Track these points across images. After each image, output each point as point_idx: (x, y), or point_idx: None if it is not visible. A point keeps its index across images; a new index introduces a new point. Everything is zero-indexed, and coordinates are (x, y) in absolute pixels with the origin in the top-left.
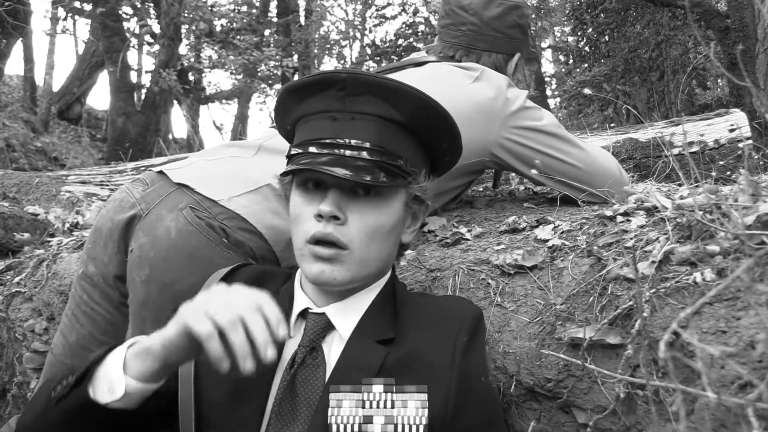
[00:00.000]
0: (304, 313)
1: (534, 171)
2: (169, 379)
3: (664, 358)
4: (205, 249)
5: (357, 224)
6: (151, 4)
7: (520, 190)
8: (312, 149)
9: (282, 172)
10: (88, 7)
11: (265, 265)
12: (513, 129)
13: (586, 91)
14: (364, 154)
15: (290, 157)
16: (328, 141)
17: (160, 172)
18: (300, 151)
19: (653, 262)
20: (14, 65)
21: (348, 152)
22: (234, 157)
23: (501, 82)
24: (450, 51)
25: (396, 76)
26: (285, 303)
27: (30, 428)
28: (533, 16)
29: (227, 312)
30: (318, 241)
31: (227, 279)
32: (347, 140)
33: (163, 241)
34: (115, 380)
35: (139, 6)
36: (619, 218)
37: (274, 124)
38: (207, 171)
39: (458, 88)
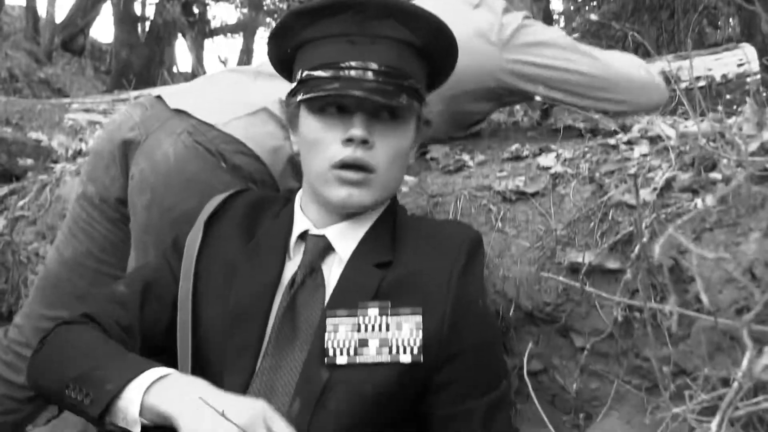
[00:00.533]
0: (303, 235)
1: (541, 89)
2: (167, 308)
3: (658, 259)
4: (203, 173)
5: (382, 148)
6: None
7: (524, 120)
8: (334, 73)
9: (308, 98)
10: None
11: (263, 191)
12: (515, 49)
13: (593, 16)
14: (387, 77)
15: (303, 82)
16: (351, 65)
17: (159, 97)
18: (320, 74)
19: (655, 188)
20: None
21: (372, 75)
22: (234, 82)
23: (498, 8)
24: None
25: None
26: (285, 225)
27: (38, 389)
28: None
29: None
30: (345, 165)
31: (224, 205)
32: (371, 64)
33: (162, 166)
34: (130, 419)
35: None
36: (623, 146)
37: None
38: (205, 96)
39: (458, 13)
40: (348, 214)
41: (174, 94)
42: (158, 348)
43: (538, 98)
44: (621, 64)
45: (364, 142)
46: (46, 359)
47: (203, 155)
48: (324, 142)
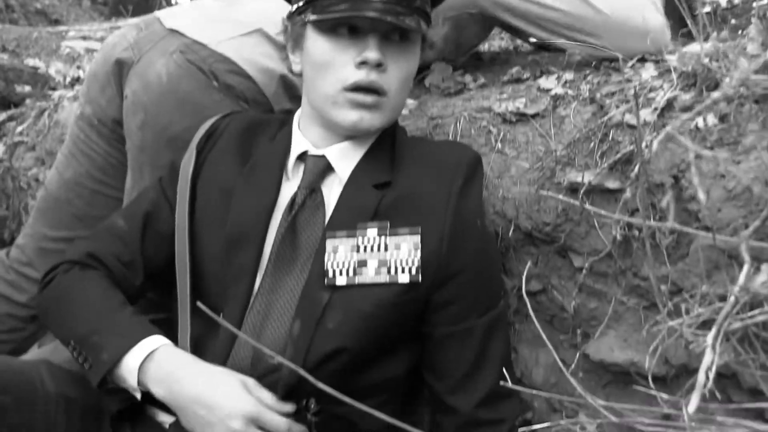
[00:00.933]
0: (302, 156)
1: (521, 23)
2: (166, 240)
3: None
4: (195, 92)
5: (394, 71)
6: None
7: (524, 46)
8: None
9: (319, 19)
10: None
11: (257, 112)
12: None
13: None
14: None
15: (310, 2)
16: None
17: (156, 18)
18: None
19: (655, 108)
20: None
21: None
22: (230, 3)
23: None
24: None
25: None
26: (282, 147)
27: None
28: None
29: None
30: (358, 88)
31: (217, 128)
32: None
33: (155, 86)
34: (130, 387)
35: None
36: (624, 68)
37: None
38: (200, 16)
39: None
40: (350, 135)
41: (170, 15)
42: (161, 279)
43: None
44: (616, 6)
45: (378, 65)
46: (51, 306)
47: (195, 74)
48: (335, 64)
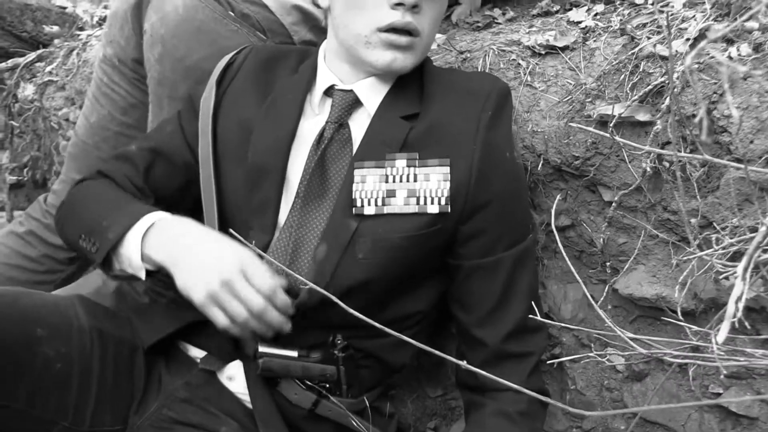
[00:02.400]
0: (329, 91)
1: None
2: (180, 170)
3: (698, 122)
4: (211, 23)
5: (428, 11)
6: None
7: None
8: None
9: None
10: None
11: (278, 44)
12: None
13: None
14: None
15: None
16: None
17: None
18: None
19: (687, 39)
20: None
21: None
22: None
23: None
24: None
25: None
26: (305, 80)
27: (64, 242)
28: None
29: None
30: (393, 29)
31: (235, 62)
32: None
33: (172, 17)
34: (135, 265)
35: None
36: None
37: None
38: None
39: None
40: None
41: None
42: (176, 206)
43: None
44: None
45: (414, 7)
46: (65, 213)
47: (211, 4)
48: (369, 4)
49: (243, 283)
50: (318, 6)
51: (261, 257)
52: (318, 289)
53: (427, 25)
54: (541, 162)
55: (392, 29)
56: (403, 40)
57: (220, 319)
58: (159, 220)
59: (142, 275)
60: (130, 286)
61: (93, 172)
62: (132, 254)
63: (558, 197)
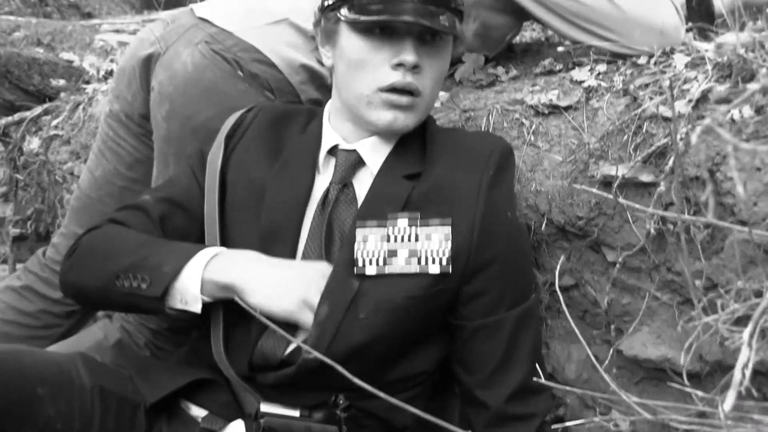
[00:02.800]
0: (332, 150)
1: (531, 5)
2: (197, 221)
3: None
4: (220, 82)
5: (429, 71)
6: None
7: (555, 36)
8: None
9: (354, 19)
10: None
11: (285, 102)
12: None
13: None
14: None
15: (345, 0)
16: None
17: (190, 9)
18: None
19: (690, 100)
20: None
21: None
22: None
23: None
24: None
25: None
26: (313, 141)
27: (77, 289)
28: None
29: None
30: (394, 89)
31: (244, 120)
32: None
33: (181, 75)
34: (191, 298)
35: None
36: (658, 59)
37: None
38: (230, 4)
39: None
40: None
41: (202, 5)
42: None
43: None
44: (633, 3)
45: (414, 67)
46: (86, 257)
47: (220, 63)
48: (371, 65)
49: None
50: (322, 65)
51: (266, 326)
52: (318, 355)
53: (429, 85)
54: (545, 222)
55: (393, 89)
56: (404, 100)
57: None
58: (221, 251)
59: (198, 308)
60: (132, 339)
61: (105, 220)
62: (189, 285)
63: (562, 257)
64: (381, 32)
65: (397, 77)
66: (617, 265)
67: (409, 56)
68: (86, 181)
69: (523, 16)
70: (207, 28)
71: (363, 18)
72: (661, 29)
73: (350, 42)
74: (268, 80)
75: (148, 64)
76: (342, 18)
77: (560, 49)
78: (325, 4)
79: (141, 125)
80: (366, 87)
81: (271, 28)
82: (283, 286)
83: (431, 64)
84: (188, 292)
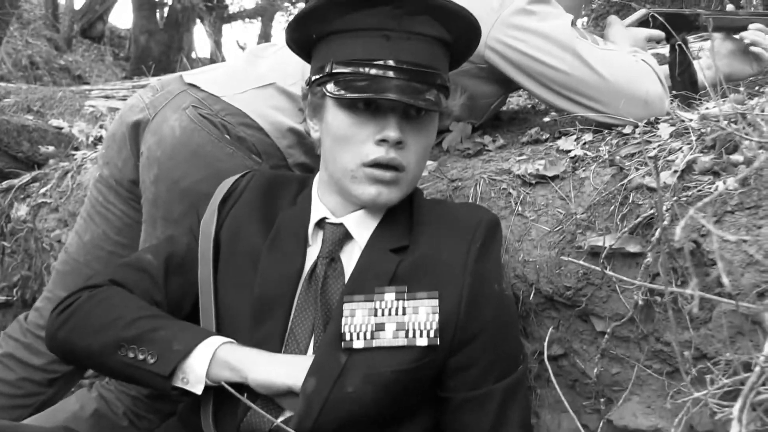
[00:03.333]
0: (320, 223)
1: (522, 78)
2: (195, 284)
3: (679, 241)
4: (207, 146)
5: (413, 146)
6: None
7: (541, 104)
8: (369, 71)
9: (338, 95)
10: None
11: (272, 166)
12: (508, 30)
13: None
14: (420, 76)
15: (333, 75)
16: (385, 63)
17: (180, 76)
18: (352, 71)
19: (675, 171)
20: None
21: (406, 76)
22: (246, 58)
23: None
24: None
25: None
26: (303, 213)
27: (68, 348)
28: None
29: None
30: (378, 165)
31: (239, 186)
32: (405, 62)
33: (168, 140)
34: (194, 379)
35: None
36: (643, 129)
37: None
38: (220, 70)
39: None
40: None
41: (191, 72)
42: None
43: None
44: (617, 73)
45: (398, 143)
46: (84, 318)
47: (207, 127)
48: (355, 140)
49: None
50: (309, 135)
51: (255, 399)
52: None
53: (413, 159)
54: (533, 291)
55: (377, 164)
56: (387, 175)
57: None
58: (226, 342)
59: (200, 390)
60: (109, 407)
61: (105, 280)
62: (196, 366)
63: (551, 328)
64: (366, 108)
65: (380, 153)
66: (606, 335)
67: (392, 132)
68: (74, 245)
69: (510, 85)
70: (195, 93)
71: (348, 94)
72: (646, 99)
73: (336, 117)
74: (255, 144)
75: (137, 130)
76: (328, 93)
77: (546, 118)
78: (312, 78)
79: (131, 191)
80: (350, 162)
81: (259, 93)
82: (287, 362)
83: (416, 140)
84: (193, 372)
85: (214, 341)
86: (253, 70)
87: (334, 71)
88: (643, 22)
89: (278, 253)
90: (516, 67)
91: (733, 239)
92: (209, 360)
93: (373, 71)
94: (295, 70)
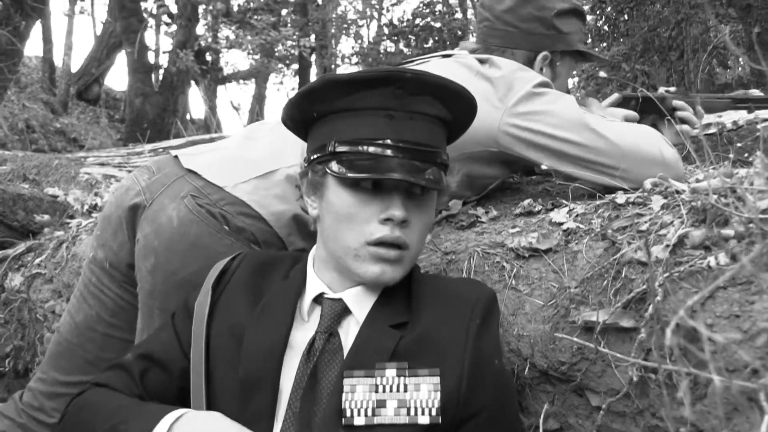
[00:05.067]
0: (318, 298)
1: (542, 157)
2: (175, 378)
3: (670, 345)
4: (206, 237)
5: (416, 225)
6: None
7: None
8: (372, 150)
9: (342, 175)
10: None
11: (269, 250)
12: (519, 115)
13: (602, 74)
14: (422, 155)
15: (335, 154)
16: (389, 142)
17: (175, 157)
18: (356, 150)
19: (667, 246)
20: (33, 46)
21: (408, 154)
22: (248, 138)
23: (506, 71)
24: (473, 48)
25: (421, 67)
26: (296, 287)
27: None
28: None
29: None
30: (382, 243)
31: (231, 266)
32: (407, 141)
33: (166, 230)
34: None
35: None
36: (635, 200)
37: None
38: (217, 155)
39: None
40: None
41: (188, 155)
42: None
43: (544, 167)
44: (630, 140)
45: (403, 222)
46: (74, 427)
47: (206, 218)
48: (359, 218)
49: None
50: (306, 212)
51: None
52: None
53: (416, 237)
54: (528, 366)
55: (381, 243)
56: (392, 254)
57: None
58: (183, 414)
59: None
60: None
61: (90, 384)
62: None
63: (546, 402)
64: (369, 186)
65: (385, 231)
66: (602, 410)
67: (397, 211)
68: (67, 325)
69: (513, 167)
70: (194, 180)
71: (351, 174)
72: (663, 161)
73: (338, 195)
74: (255, 233)
75: (134, 214)
76: (330, 173)
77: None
78: (312, 157)
79: (126, 275)
80: (354, 240)
81: (260, 182)
82: None
83: (419, 218)
84: None
85: (168, 420)
86: (249, 155)
87: (337, 150)
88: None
89: (264, 327)
90: (533, 147)
91: (722, 341)
92: None
93: (376, 150)
94: (294, 153)
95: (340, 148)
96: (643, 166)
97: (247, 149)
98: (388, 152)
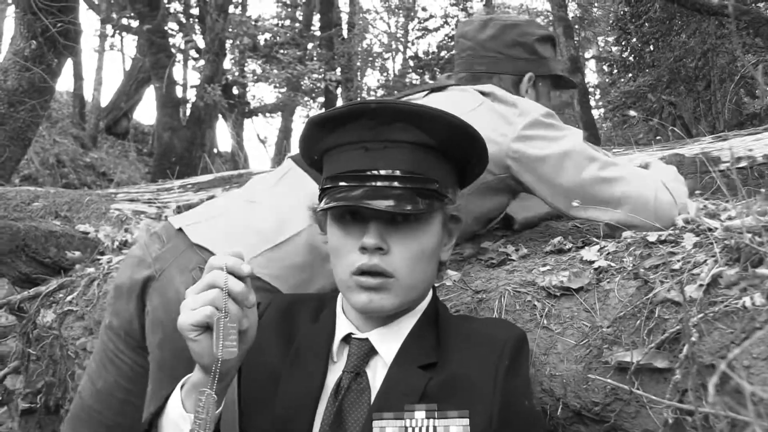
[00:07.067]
0: (346, 338)
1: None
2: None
3: (712, 402)
4: None
5: (400, 252)
6: (196, 20)
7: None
8: (345, 182)
9: (319, 208)
10: (135, 24)
11: (294, 293)
12: (527, 139)
13: (632, 113)
14: (399, 182)
15: (323, 191)
16: (362, 173)
17: (179, 230)
18: (333, 184)
19: (701, 285)
20: (64, 82)
21: (383, 183)
22: (249, 202)
23: (507, 108)
24: (458, 77)
25: (419, 101)
26: (326, 329)
27: None
28: (552, 30)
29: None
30: (363, 272)
31: (259, 309)
32: (382, 170)
33: (174, 304)
34: (179, 420)
35: (184, 22)
36: (666, 239)
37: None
38: (221, 224)
39: (464, 113)
40: (388, 316)
41: (191, 223)
42: None
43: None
44: (633, 183)
45: (378, 249)
46: None
47: None
48: (344, 249)
49: None
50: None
51: None
52: None
53: (402, 265)
54: (561, 406)
55: (362, 272)
56: (372, 282)
57: None
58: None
59: (186, 427)
60: None
61: None
62: (173, 412)
63: None
64: (352, 218)
65: (363, 259)
66: None
67: (369, 239)
68: (87, 390)
69: (516, 195)
70: (202, 253)
71: (330, 205)
72: (656, 209)
73: (331, 230)
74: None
75: (145, 287)
76: (319, 209)
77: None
78: (319, 196)
79: (141, 341)
80: (343, 272)
81: (274, 254)
82: None
83: (404, 245)
84: (176, 416)
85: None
86: (257, 225)
87: (324, 187)
88: None
89: (299, 370)
90: (537, 175)
91: (765, 396)
92: (181, 402)
93: (351, 182)
94: (299, 216)
95: (326, 185)
96: (644, 214)
97: (254, 217)
98: (364, 183)
